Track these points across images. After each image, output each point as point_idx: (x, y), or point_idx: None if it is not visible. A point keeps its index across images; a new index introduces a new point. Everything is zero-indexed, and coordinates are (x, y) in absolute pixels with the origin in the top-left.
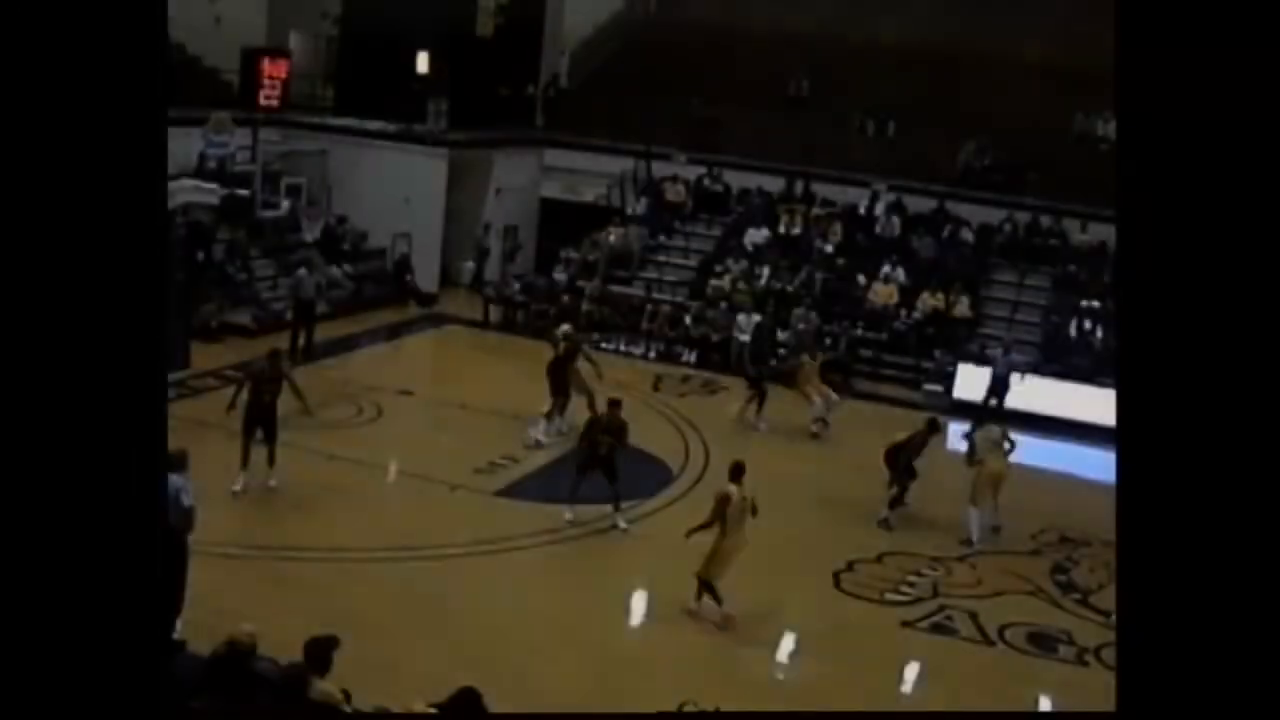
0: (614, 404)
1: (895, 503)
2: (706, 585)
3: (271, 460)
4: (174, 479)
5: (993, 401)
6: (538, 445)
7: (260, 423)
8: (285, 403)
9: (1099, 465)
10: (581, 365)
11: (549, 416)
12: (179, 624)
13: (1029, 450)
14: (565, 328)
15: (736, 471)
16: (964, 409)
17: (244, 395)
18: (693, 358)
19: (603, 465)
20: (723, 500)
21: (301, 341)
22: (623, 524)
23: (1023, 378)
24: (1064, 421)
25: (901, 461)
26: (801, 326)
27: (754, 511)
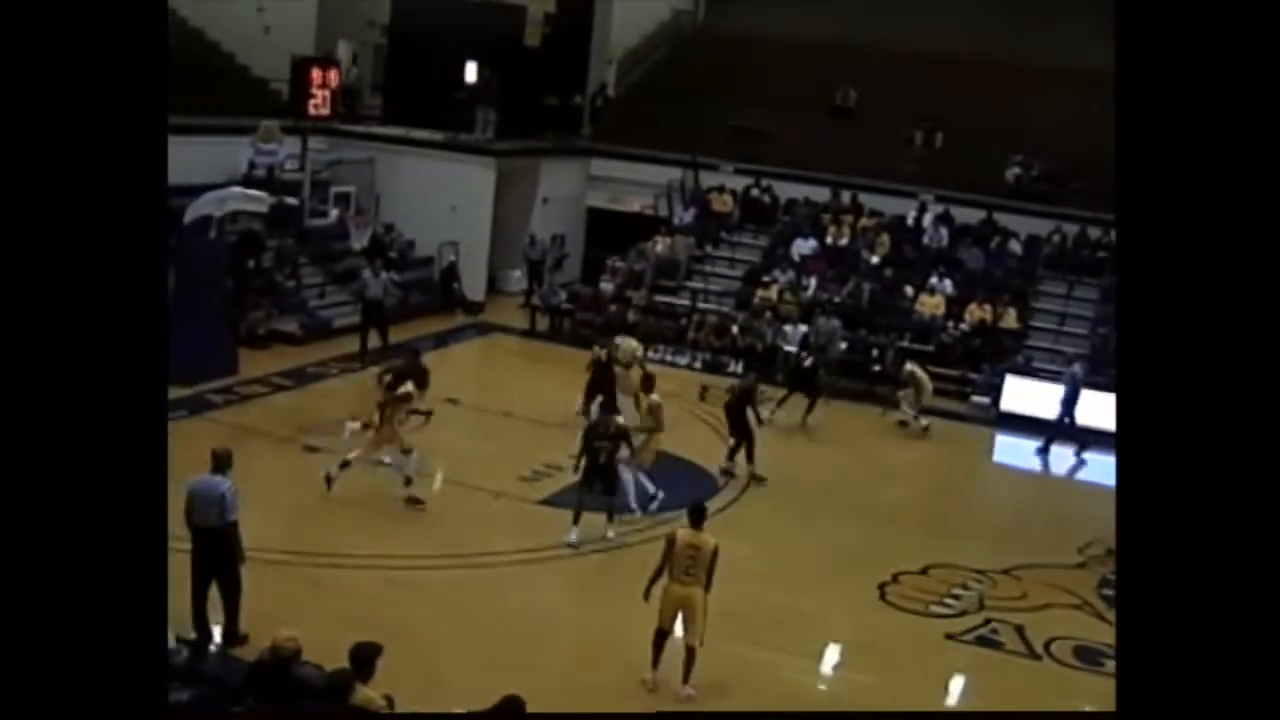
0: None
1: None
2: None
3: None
4: (219, 481)
5: (1066, 418)
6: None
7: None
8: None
9: None
10: (623, 373)
11: None
12: (241, 618)
13: (1075, 462)
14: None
15: (693, 515)
16: (1010, 421)
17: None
18: (739, 368)
19: (602, 475)
20: (667, 542)
21: (374, 343)
22: (611, 534)
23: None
24: (1111, 434)
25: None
26: (820, 324)
27: (707, 582)
